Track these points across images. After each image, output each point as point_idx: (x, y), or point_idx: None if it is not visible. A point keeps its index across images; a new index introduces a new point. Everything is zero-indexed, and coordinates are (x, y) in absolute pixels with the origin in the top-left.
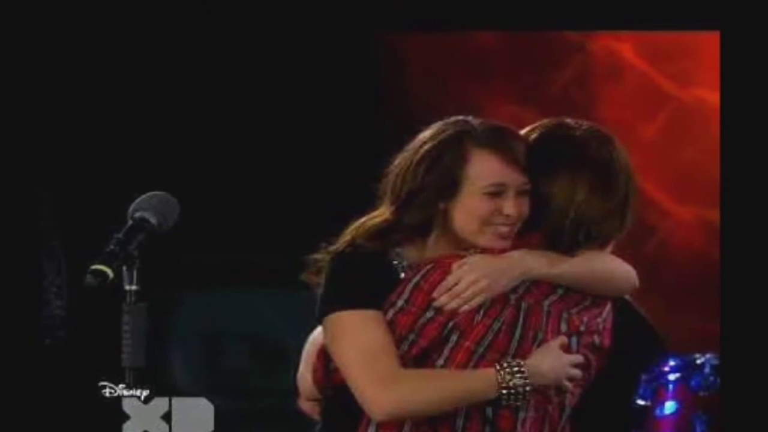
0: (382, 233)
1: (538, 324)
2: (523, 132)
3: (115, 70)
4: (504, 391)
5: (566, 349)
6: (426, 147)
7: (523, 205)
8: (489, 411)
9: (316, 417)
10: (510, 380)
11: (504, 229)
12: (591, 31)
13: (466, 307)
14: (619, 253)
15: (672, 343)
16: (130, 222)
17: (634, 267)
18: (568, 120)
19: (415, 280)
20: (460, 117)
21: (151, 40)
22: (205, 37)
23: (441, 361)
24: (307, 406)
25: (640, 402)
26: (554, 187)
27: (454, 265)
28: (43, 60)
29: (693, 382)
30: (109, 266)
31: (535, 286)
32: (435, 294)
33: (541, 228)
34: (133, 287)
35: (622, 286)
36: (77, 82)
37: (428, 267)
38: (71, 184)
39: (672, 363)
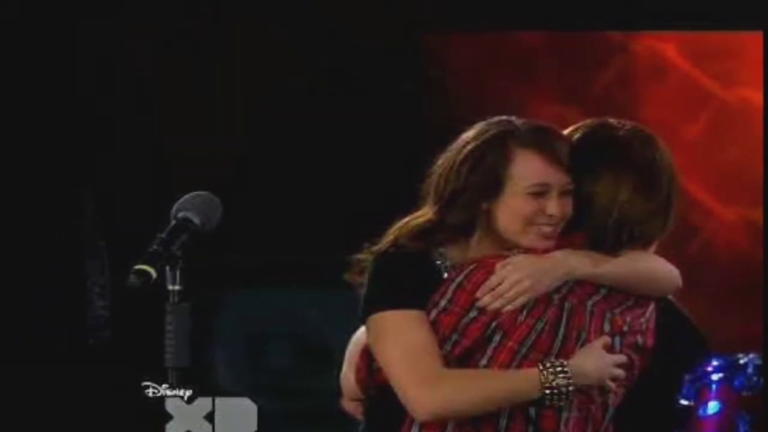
0: (426, 233)
1: (582, 324)
2: (566, 132)
3: (156, 72)
4: (547, 391)
5: (609, 349)
6: (469, 147)
7: (566, 205)
8: (532, 411)
9: (359, 417)
10: (553, 380)
11: (547, 229)
12: (634, 31)
13: (509, 307)
14: (662, 253)
15: (715, 343)
16: (174, 222)
17: (678, 267)
18: (611, 120)
19: (458, 280)
20: (504, 117)
21: (197, 42)
22: (246, 37)
23: (484, 361)
24: (350, 406)
25: (684, 402)
26: (597, 187)
27: (498, 265)
28: (82, 61)
29: (736, 382)
30: (153, 266)
31: (578, 286)
32: (478, 294)
33: (585, 228)
34: (177, 287)
35: (665, 286)
36: (118, 83)
37: (471, 267)
38: (114, 185)
39: (715, 363)
